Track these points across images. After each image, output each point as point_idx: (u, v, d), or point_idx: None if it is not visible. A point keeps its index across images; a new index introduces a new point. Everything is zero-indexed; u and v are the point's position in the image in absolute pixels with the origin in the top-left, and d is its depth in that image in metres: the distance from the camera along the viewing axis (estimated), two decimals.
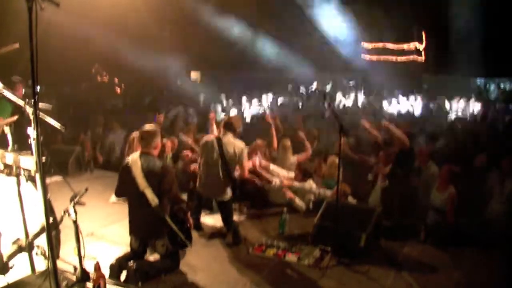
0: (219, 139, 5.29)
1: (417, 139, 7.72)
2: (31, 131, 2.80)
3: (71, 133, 9.27)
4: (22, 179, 3.78)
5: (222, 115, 11.37)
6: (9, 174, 3.78)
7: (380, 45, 17.64)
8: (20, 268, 3.81)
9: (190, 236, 4.72)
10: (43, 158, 2.84)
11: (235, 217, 5.69)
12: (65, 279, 3.65)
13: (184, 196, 6.06)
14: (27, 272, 3.74)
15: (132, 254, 4.35)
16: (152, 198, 4.14)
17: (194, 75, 22.42)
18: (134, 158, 4.30)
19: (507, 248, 4.92)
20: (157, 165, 4.26)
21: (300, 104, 14.78)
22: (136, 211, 4.30)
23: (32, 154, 3.33)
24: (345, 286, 4.27)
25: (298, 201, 6.36)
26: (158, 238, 4.30)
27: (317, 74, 17.99)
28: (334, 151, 6.92)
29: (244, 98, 14.39)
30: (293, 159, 6.90)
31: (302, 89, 17.28)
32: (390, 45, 17.60)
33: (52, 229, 3.22)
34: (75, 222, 3.50)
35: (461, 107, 13.90)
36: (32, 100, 2.75)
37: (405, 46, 17.49)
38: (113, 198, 6.04)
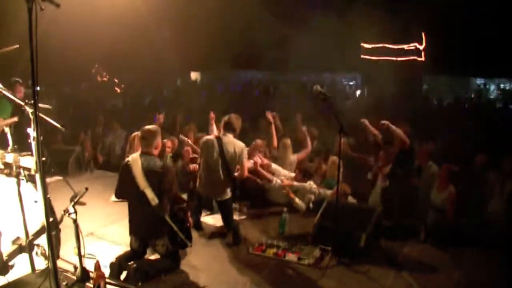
0: (219, 139, 5.29)
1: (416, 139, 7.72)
2: (31, 131, 2.80)
3: (71, 133, 9.28)
4: (22, 179, 3.78)
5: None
6: (9, 174, 3.79)
7: (380, 45, 17.63)
8: (20, 268, 3.82)
9: (190, 235, 4.73)
10: (43, 158, 2.84)
11: (235, 217, 5.69)
12: (65, 279, 3.66)
13: (184, 196, 6.07)
14: (27, 271, 3.74)
15: (132, 254, 4.36)
16: (152, 197, 4.14)
17: (194, 75, 22.44)
18: (134, 158, 4.30)
19: (507, 248, 4.91)
20: (157, 164, 4.26)
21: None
22: (136, 211, 4.30)
23: (32, 154, 3.34)
24: (345, 286, 4.27)
25: (298, 201, 6.36)
26: (158, 238, 4.30)
27: (317, 74, 18.03)
28: (334, 151, 6.92)
29: None
30: (293, 157, 6.91)
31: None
32: (390, 45, 17.59)
33: (52, 229, 3.22)
34: (75, 221, 3.51)
35: None
36: (32, 100, 2.76)
37: (405, 46, 17.48)
38: (113, 197, 6.03)
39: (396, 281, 4.35)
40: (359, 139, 7.90)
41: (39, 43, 2.59)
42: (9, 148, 3.83)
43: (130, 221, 4.35)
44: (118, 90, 17.38)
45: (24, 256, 3.79)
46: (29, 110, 3.01)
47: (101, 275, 3.46)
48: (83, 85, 17.05)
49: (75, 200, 3.53)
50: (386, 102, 13.69)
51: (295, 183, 6.54)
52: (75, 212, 3.49)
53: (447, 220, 5.42)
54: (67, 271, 3.91)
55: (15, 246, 3.81)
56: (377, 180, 6.21)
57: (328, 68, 17.41)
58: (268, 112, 6.99)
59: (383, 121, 5.85)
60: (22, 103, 3.23)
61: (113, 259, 4.23)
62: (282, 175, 6.62)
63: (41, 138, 2.81)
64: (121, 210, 4.59)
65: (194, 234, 5.23)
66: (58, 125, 3.87)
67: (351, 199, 6.28)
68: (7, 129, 3.91)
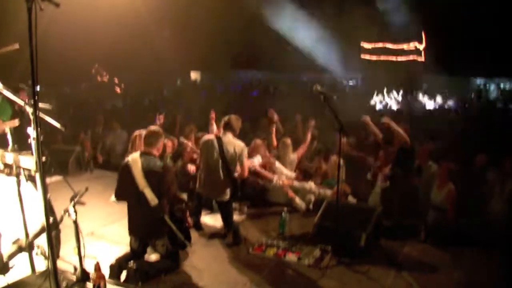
0: (219, 139, 5.28)
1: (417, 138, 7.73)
2: (31, 131, 2.80)
3: (71, 133, 9.28)
4: (22, 179, 3.78)
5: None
6: (9, 174, 3.78)
7: (380, 45, 17.65)
8: (20, 268, 3.81)
9: (189, 236, 4.73)
10: (43, 158, 2.84)
11: (235, 217, 5.68)
12: (65, 279, 3.65)
13: (184, 196, 6.07)
14: (27, 272, 3.73)
15: (132, 254, 4.36)
16: (151, 198, 4.14)
17: (194, 75, 22.45)
18: (134, 158, 4.30)
19: (507, 248, 4.91)
20: (157, 165, 4.26)
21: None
22: (135, 211, 4.30)
23: (32, 154, 3.33)
24: (345, 285, 4.27)
25: (298, 201, 6.36)
26: (158, 238, 4.30)
27: (317, 74, 18.03)
28: (334, 151, 6.91)
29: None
30: (293, 156, 6.91)
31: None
32: (390, 45, 17.60)
33: (52, 229, 3.23)
34: (75, 221, 3.51)
35: None
36: (32, 100, 2.75)
37: (405, 46, 17.49)
38: (113, 197, 6.03)
39: (396, 281, 4.34)
40: (359, 138, 7.91)
41: (39, 43, 2.59)
42: (9, 148, 3.83)
43: (129, 221, 4.35)
44: (118, 90, 17.39)
45: (24, 256, 3.78)
46: (29, 110, 3.00)
47: (101, 276, 3.46)
48: (83, 85, 17.06)
49: (75, 200, 3.53)
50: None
51: (295, 183, 6.54)
52: (75, 212, 3.49)
53: (448, 220, 5.42)
54: (67, 271, 3.91)
55: (15, 247, 3.81)
56: (377, 180, 6.21)
57: (328, 68, 17.42)
58: (272, 111, 6.98)
59: (384, 119, 5.85)
60: (22, 103, 3.23)
61: (113, 259, 4.23)
62: (284, 174, 6.61)
63: (41, 138, 2.81)
64: (121, 210, 4.59)
65: (194, 234, 5.23)
66: (58, 125, 3.87)
67: (351, 199, 6.28)
68: (7, 129, 3.92)
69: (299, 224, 5.77)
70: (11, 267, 3.81)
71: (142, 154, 4.31)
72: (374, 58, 17.81)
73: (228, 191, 5.28)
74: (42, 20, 2.62)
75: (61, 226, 4.07)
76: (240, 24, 15.99)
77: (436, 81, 17.61)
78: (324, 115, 8.81)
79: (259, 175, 6.55)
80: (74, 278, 3.63)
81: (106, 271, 3.85)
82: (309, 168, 7.13)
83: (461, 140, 8.24)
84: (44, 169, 2.83)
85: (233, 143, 5.24)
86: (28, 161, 3.61)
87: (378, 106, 15.00)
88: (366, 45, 17.89)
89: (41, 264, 3.77)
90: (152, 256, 4.55)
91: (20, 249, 3.79)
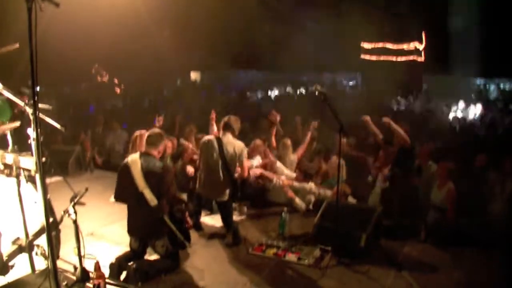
0: (219, 139, 5.28)
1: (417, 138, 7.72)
2: (31, 132, 2.80)
3: (71, 133, 9.28)
4: (22, 179, 3.78)
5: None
6: (9, 174, 3.79)
7: (380, 45, 17.65)
8: (20, 268, 3.81)
9: (188, 236, 4.73)
10: (43, 158, 2.84)
11: (235, 217, 5.68)
12: (65, 279, 3.66)
13: (184, 196, 6.06)
14: (27, 271, 3.74)
15: (132, 254, 4.36)
16: (151, 198, 4.14)
17: (194, 75, 22.45)
18: (133, 159, 4.29)
19: (507, 248, 4.91)
20: (157, 165, 4.25)
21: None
22: (135, 212, 4.30)
23: (32, 154, 3.33)
24: (345, 285, 4.27)
25: (298, 201, 6.36)
26: (158, 238, 4.30)
27: (317, 74, 18.03)
28: (334, 151, 6.91)
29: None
30: (293, 157, 6.91)
31: (302, 90, 17.34)
32: (390, 45, 17.60)
33: (52, 229, 3.23)
34: (75, 222, 3.51)
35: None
36: (32, 101, 2.75)
37: (405, 46, 17.49)
38: (113, 198, 6.03)
39: (396, 281, 4.34)
40: (359, 139, 7.91)
41: (39, 43, 2.59)
42: (9, 148, 3.83)
43: (129, 222, 4.35)
44: (118, 91, 17.38)
45: (24, 256, 3.79)
46: (29, 110, 3.01)
47: (101, 275, 3.46)
48: (83, 85, 17.05)
49: (75, 200, 3.53)
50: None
51: (295, 183, 6.53)
52: (75, 212, 3.49)
53: (448, 220, 5.41)
54: (67, 271, 3.92)
55: (15, 247, 3.81)
56: (377, 180, 6.21)
57: (328, 68, 17.43)
58: (274, 113, 6.99)
59: (385, 119, 5.85)
60: (22, 103, 3.23)
61: (113, 259, 4.23)
62: (285, 174, 6.61)
63: (41, 138, 2.81)
64: (121, 210, 4.59)
65: (194, 234, 5.23)
66: (58, 126, 3.87)
67: (351, 199, 6.28)
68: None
69: (299, 224, 5.77)
70: (11, 267, 3.81)
71: (142, 155, 4.31)
72: (374, 58, 17.80)
73: (227, 192, 5.28)
74: (42, 20, 2.62)
75: (61, 226, 4.08)
76: (240, 24, 15.99)
77: (436, 81, 17.62)
78: (324, 115, 8.80)
79: (262, 176, 6.55)
80: (74, 277, 3.64)
81: (106, 271, 3.85)
82: (309, 169, 7.13)
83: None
84: (44, 170, 2.83)
85: (233, 144, 5.24)
86: (28, 162, 3.61)
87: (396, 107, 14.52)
88: (366, 45, 17.89)
89: (41, 264, 3.77)
90: (152, 256, 4.55)
91: (20, 249, 3.80)
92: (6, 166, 3.79)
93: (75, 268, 3.69)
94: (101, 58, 15.84)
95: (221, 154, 5.19)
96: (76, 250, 3.54)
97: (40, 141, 2.79)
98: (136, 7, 12.09)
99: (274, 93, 15.88)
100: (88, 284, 3.56)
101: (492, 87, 18.84)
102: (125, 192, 4.33)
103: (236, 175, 5.35)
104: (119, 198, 4.50)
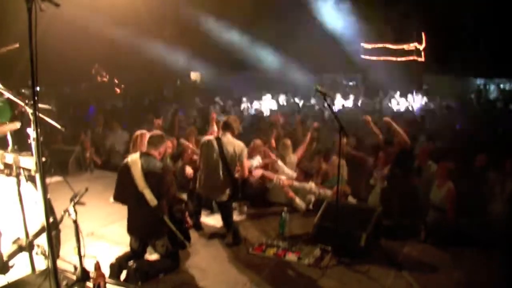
0: (218, 139, 5.28)
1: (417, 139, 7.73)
2: (31, 132, 2.80)
3: (71, 133, 9.28)
4: (22, 179, 3.78)
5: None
6: (9, 174, 3.79)
7: (380, 45, 17.64)
8: (20, 268, 3.82)
9: (188, 236, 4.73)
10: (43, 158, 2.84)
11: (235, 217, 5.68)
12: (65, 279, 3.66)
13: (184, 196, 6.06)
14: (27, 271, 3.74)
15: (132, 254, 4.36)
16: (151, 198, 4.14)
17: (194, 76, 22.42)
18: (134, 159, 4.29)
19: (507, 248, 4.91)
20: (157, 166, 4.25)
21: (301, 103, 14.81)
22: (135, 212, 4.30)
23: (32, 154, 3.34)
24: (345, 285, 4.27)
25: (298, 201, 6.36)
26: (158, 238, 4.30)
27: (317, 75, 18.01)
28: (334, 151, 6.91)
29: (244, 99, 14.43)
30: (293, 157, 6.91)
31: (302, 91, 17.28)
32: (390, 45, 17.60)
33: (52, 229, 3.23)
34: (75, 221, 3.51)
35: None
36: (32, 101, 2.76)
37: (405, 46, 17.49)
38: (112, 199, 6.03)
39: (396, 281, 4.34)
40: (359, 139, 7.91)
41: (39, 43, 2.59)
42: (9, 148, 3.83)
43: (129, 222, 4.36)
44: (118, 91, 17.39)
45: (24, 256, 3.79)
46: (29, 110, 3.01)
47: (101, 275, 3.46)
48: (83, 85, 17.05)
49: (75, 200, 3.53)
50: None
51: (296, 183, 6.53)
52: (75, 212, 3.49)
53: (448, 220, 5.41)
54: (67, 271, 3.92)
55: (15, 246, 3.82)
56: (377, 180, 6.21)
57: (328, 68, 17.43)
58: (277, 115, 7.01)
59: (385, 118, 5.85)
60: (22, 104, 3.23)
61: (113, 259, 4.23)
62: (285, 173, 6.62)
63: (41, 138, 2.81)
64: (121, 210, 4.59)
65: (194, 234, 5.23)
66: (58, 125, 3.88)
67: (351, 199, 6.28)
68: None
69: (299, 224, 5.77)
70: (11, 267, 3.81)
71: (142, 155, 4.31)
72: (374, 58, 17.81)
73: (228, 192, 5.28)
74: (42, 20, 2.63)
75: (61, 226, 4.08)
76: (240, 25, 15.99)
77: (436, 81, 17.61)
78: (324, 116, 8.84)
79: (264, 177, 6.55)
80: (74, 277, 3.64)
81: (106, 271, 3.85)
82: (310, 169, 7.13)
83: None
84: (44, 170, 2.83)
85: (233, 143, 5.24)
86: (28, 162, 3.62)
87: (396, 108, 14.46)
88: (366, 46, 17.90)
89: (41, 264, 3.78)
90: (152, 256, 4.55)
91: (20, 249, 3.80)
92: (6, 166, 3.79)
93: (75, 268, 3.69)
94: (101, 58, 15.86)
95: (221, 154, 5.19)
96: (76, 250, 3.54)
97: (40, 141, 2.79)
98: (136, 7, 12.10)
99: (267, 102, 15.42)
100: (88, 284, 3.56)
101: (492, 87, 18.81)
102: (125, 192, 4.33)
103: (236, 175, 5.35)
104: (118, 198, 4.50)
